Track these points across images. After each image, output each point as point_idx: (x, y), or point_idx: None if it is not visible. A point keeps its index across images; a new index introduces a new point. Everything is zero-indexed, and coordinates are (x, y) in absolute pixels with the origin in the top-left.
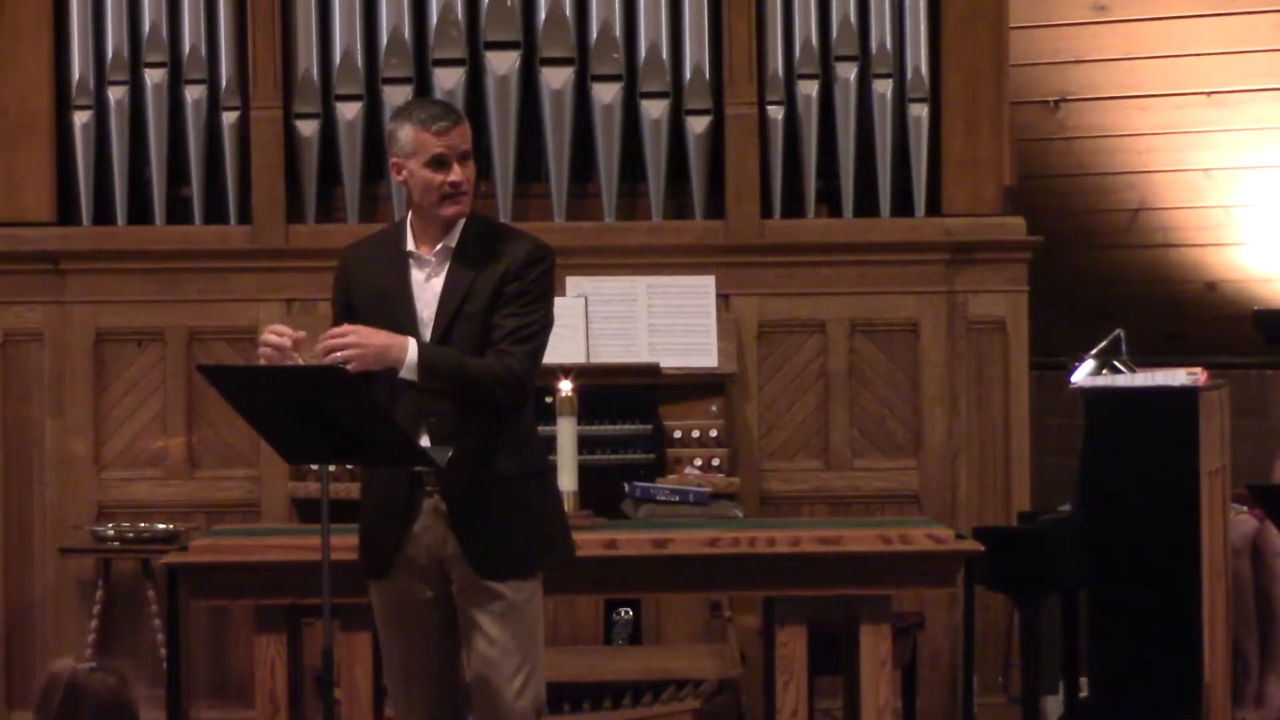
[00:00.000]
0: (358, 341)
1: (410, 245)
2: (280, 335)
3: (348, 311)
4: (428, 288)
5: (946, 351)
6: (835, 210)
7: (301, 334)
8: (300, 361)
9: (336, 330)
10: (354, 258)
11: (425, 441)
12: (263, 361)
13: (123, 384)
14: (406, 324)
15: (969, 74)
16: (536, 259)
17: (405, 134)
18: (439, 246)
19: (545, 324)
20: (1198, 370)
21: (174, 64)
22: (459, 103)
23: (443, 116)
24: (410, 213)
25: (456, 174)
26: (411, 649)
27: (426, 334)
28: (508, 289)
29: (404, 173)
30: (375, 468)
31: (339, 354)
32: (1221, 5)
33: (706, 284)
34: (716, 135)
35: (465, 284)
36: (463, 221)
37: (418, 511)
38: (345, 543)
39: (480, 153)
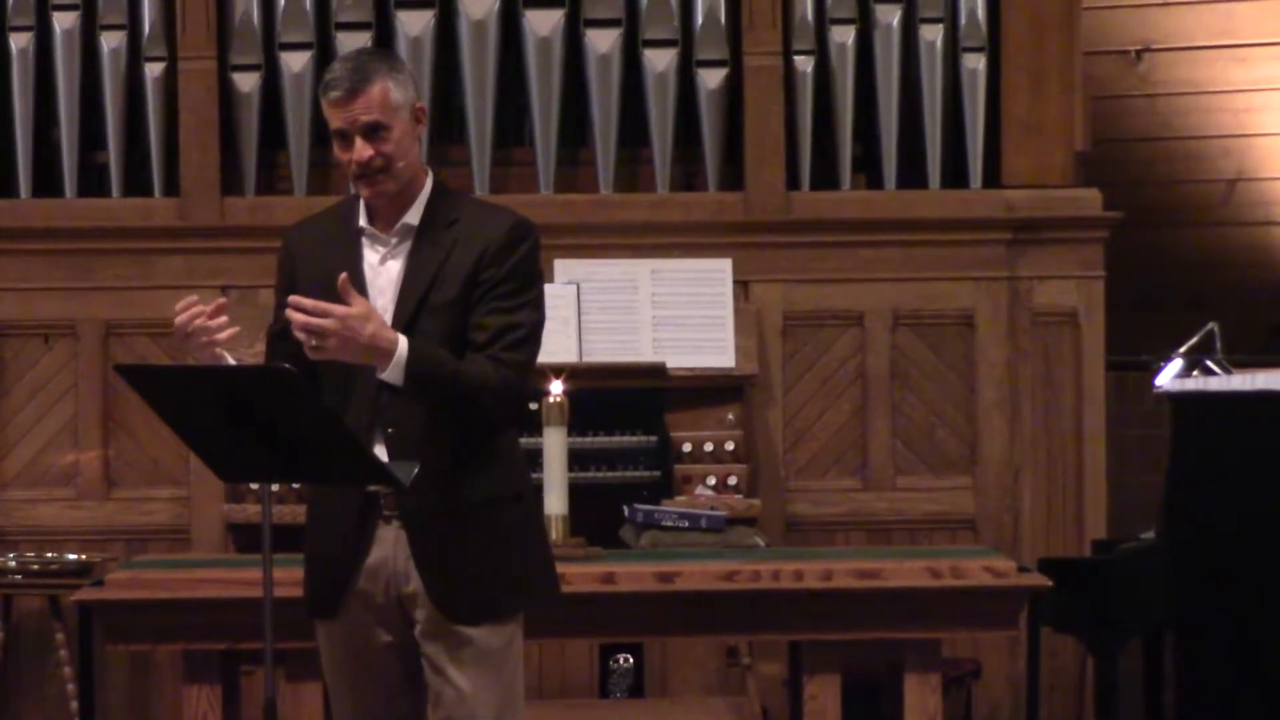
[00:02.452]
0: (339, 330)
1: (363, 221)
2: (191, 309)
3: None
4: (383, 272)
5: (1007, 349)
6: (875, 180)
7: (220, 299)
8: (223, 337)
9: (312, 304)
10: (299, 238)
11: (382, 456)
12: (192, 357)
13: (26, 387)
14: None
15: (1034, 18)
16: (517, 238)
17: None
18: (398, 224)
19: (536, 320)
20: None
21: (87, 6)
22: (426, 52)
23: (337, 84)
24: None
25: (360, 151)
26: (366, 702)
27: None
28: (484, 276)
29: None
30: (325, 487)
31: (314, 340)
32: None
33: (721, 268)
34: (734, 91)
35: (431, 269)
36: (426, 194)
37: (372, 540)
38: (291, 576)
39: (453, 112)
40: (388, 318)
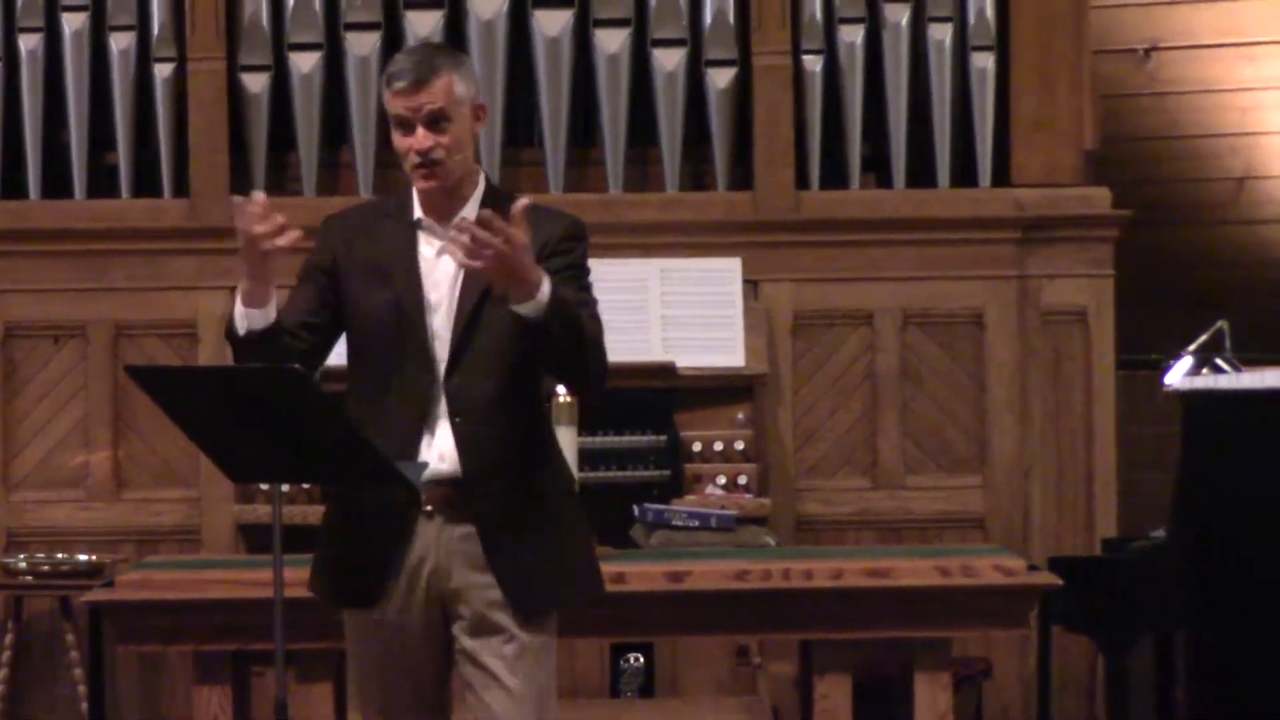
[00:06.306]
0: (503, 248)
1: (419, 213)
2: (269, 219)
3: (327, 276)
4: (438, 265)
5: (1017, 348)
6: (884, 180)
7: (259, 192)
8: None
9: (490, 215)
10: (342, 225)
11: (447, 443)
12: (260, 237)
13: (36, 388)
14: (410, 305)
15: (1043, 17)
16: (576, 234)
17: (383, 90)
18: (456, 218)
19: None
20: None
21: (96, 7)
22: None
23: (405, 73)
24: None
25: (420, 140)
26: (395, 693)
27: (435, 319)
28: (553, 264)
29: None
30: (339, 489)
31: (481, 248)
32: None
33: (731, 268)
34: (743, 90)
35: None
36: (479, 194)
37: (413, 534)
38: (302, 577)
39: None
40: (448, 310)
